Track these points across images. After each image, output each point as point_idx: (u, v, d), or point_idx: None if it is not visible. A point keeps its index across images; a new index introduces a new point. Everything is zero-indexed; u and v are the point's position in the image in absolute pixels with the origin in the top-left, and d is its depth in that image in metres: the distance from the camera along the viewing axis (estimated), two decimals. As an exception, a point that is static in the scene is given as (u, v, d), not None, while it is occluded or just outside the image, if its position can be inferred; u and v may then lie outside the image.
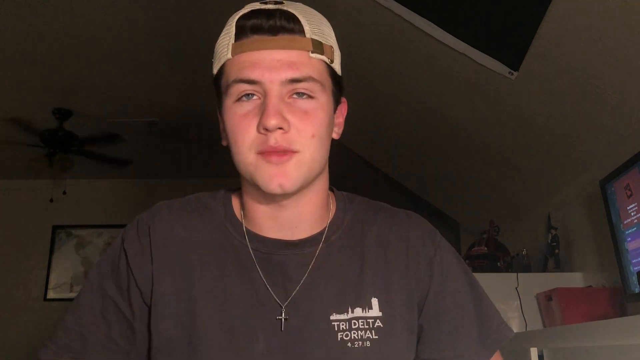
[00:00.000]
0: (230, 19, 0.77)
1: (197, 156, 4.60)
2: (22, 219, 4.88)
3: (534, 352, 1.70)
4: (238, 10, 0.78)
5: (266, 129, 0.71)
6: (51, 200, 4.48)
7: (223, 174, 4.64)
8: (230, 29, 0.75)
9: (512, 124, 2.40)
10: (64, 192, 4.44)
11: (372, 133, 3.31)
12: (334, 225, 0.83)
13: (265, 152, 0.72)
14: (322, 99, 0.75)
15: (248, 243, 0.80)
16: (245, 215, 0.83)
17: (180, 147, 4.42)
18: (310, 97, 0.74)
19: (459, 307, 0.84)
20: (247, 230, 0.81)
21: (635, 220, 1.74)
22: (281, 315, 0.77)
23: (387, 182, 4.07)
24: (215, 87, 0.79)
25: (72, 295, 4.70)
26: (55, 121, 3.73)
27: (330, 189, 0.88)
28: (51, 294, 4.73)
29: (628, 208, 1.78)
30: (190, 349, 0.76)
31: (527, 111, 2.26)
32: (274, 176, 0.72)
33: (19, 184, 4.90)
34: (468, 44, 2.12)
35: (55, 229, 4.89)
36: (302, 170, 0.74)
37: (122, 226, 0.87)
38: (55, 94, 3.51)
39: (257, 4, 0.77)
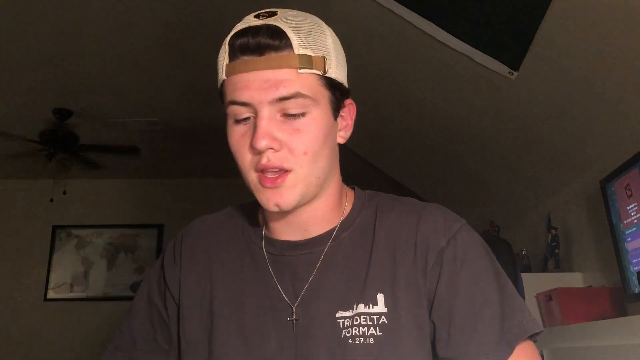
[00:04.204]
0: (227, 36, 0.78)
1: (198, 156, 4.60)
2: (22, 219, 4.88)
3: (534, 352, 1.70)
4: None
5: (258, 150, 0.74)
6: (51, 200, 4.47)
7: (224, 173, 4.66)
8: (225, 48, 0.77)
9: (512, 124, 2.40)
10: (64, 192, 4.44)
11: (372, 133, 3.31)
12: (345, 224, 0.85)
13: (261, 174, 0.76)
14: (315, 112, 0.76)
15: (263, 246, 0.85)
16: (265, 220, 0.88)
17: (181, 146, 4.42)
18: (301, 114, 0.75)
19: (476, 301, 0.77)
20: (264, 234, 0.87)
21: (635, 220, 1.74)
22: (292, 316, 0.79)
23: (387, 182, 4.07)
24: (221, 101, 0.82)
25: (72, 295, 4.71)
26: (55, 121, 3.73)
27: (352, 188, 0.90)
28: (51, 294, 4.72)
29: (628, 208, 1.78)
30: (210, 349, 0.81)
31: (527, 111, 2.26)
32: (270, 198, 0.76)
33: (19, 184, 4.90)
34: (468, 44, 2.12)
35: (55, 229, 4.89)
36: (297, 188, 0.76)
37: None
38: (55, 94, 3.50)
39: (251, 17, 0.78)
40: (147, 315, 0.91)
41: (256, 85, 0.73)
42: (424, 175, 3.59)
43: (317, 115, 0.76)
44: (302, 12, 0.79)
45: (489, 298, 0.78)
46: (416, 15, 2.15)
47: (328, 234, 0.83)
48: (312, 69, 0.75)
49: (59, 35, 2.85)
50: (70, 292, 4.73)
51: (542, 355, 1.69)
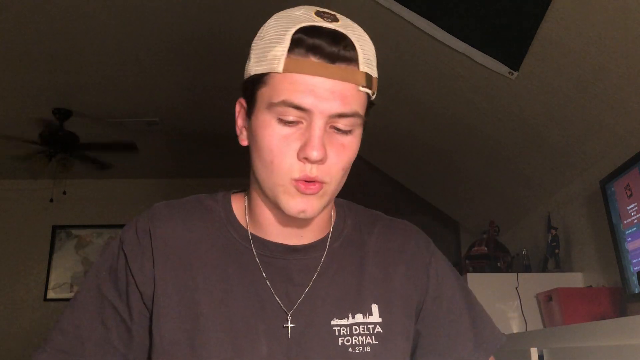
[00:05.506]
0: (284, 21, 0.72)
1: (198, 156, 4.61)
2: (22, 219, 4.88)
3: (534, 352, 1.70)
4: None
5: (307, 159, 0.71)
6: (51, 200, 4.48)
7: (223, 173, 4.66)
8: (284, 37, 0.70)
9: (512, 124, 2.40)
10: (64, 192, 4.44)
11: (372, 133, 3.31)
12: (335, 233, 0.85)
13: (298, 181, 0.72)
14: (358, 131, 0.75)
15: (252, 246, 0.81)
16: (250, 218, 0.83)
17: (181, 146, 4.42)
18: (349, 131, 0.73)
19: (455, 313, 0.87)
20: (251, 233, 0.82)
21: (635, 220, 1.74)
22: (287, 322, 0.77)
23: (388, 182, 4.07)
24: (250, 87, 0.74)
25: (72, 295, 4.70)
26: (55, 121, 3.73)
27: None
28: (51, 294, 4.72)
29: (628, 208, 1.78)
30: (193, 351, 0.75)
31: (527, 111, 2.26)
32: (299, 204, 0.73)
33: (19, 184, 4.90)
34: (468, 44, 2.12)
35: (55, 229, 4.89)
36: (324, 199, 0.75)
37: (122, 226, 0.86)
38: (55, 94, 3.51)
39: (313, 14, 0.72)
40: (98, 312, 0.80)
41: (320, 94, 0.69)
42: (424, 175, 3.59)
43: (358, 134, 0.75)
44: (357, 26, 0.76)
45: (463, 310, 0.87)
46: (416, 15, 2.16)
47: (322, 241, 0.83)
48: (370, 89, 0.73)
49: (59, 35, 2.85)
50: (70, 292, 4.73)
51: (542, 356, 1.69)
